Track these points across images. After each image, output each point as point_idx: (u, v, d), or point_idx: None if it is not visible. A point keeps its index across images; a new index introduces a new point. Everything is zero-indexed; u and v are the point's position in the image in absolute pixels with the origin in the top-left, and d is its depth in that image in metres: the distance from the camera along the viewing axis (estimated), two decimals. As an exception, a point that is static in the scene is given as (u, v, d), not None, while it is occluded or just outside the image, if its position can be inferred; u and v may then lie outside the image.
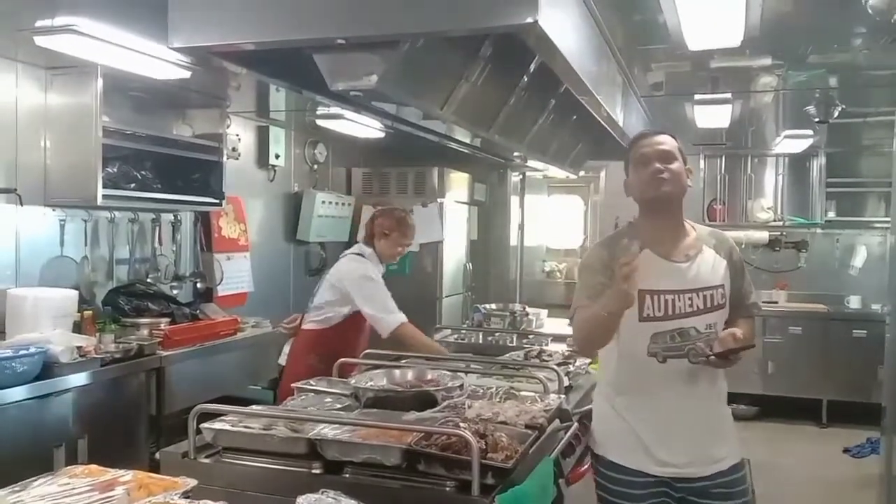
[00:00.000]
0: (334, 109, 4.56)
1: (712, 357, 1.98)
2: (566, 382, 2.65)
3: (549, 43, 2.17)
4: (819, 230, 6.47)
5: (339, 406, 2.28)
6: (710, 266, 2.10)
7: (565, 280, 8.47)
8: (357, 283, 3.26)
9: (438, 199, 5.95)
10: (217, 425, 1.99)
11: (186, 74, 3.36)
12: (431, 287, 5.96)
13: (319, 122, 4.97)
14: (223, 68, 3.53)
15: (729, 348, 1.96)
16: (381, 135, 5.17)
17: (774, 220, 6.56)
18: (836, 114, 4.13)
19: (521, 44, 2.25)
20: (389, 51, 1.95)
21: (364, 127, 4.91)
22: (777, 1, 2.56)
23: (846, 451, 5.31)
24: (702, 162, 6.78)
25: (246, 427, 2.00)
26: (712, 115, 4.47)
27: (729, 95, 3.93)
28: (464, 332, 3.91)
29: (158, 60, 3.05)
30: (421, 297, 5.89)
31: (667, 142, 2.12)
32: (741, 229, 6.54)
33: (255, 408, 2.18)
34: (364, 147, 5.85)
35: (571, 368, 2.89)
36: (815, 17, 2.80)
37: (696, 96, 3.94)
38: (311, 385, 2.48)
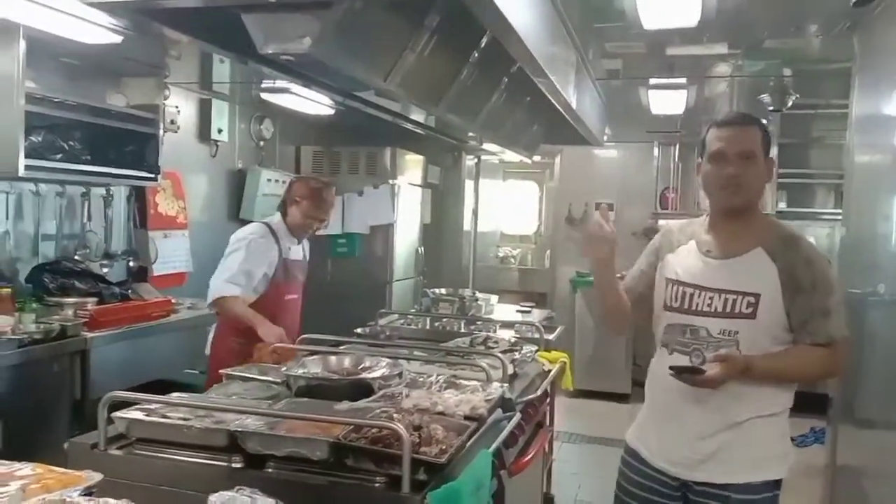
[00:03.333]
0: (280, 83, 4.36)
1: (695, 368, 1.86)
2: (510, 370, 2.55)
3: (498, 13, 2.05)
4: (769, 220, 6.52)
5: (268, 394, 2.14)
6: (750, 270, 1.88)
7: (519, 266, 8.44)
8: (228, 247, 3.15)
9: (391, 181, 5.80)
10: (130, 414, 1.84)
11: (117, 39, 3.14)
12: (382, 270, 5.82)
13: (265, 97, 4.75)
14: (160, 35, 3.33)
15: (682, 366, 1.87)
16: (332, 112, 4.98)
17: (726, 210, 6.57)
18: (790, 103, 4.11)
19: (470, 15, 2.12)
20: (324, 12, 1.80)
21: (313, 103, 4.71)
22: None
23: (790, 439, 5.35)
24: (656, 150, 6.76)
25: (163, 417, 1.85)
26: (667, 101, 4.41)
27: (683, 80, 3.87)
28: (410, 317, 3.78)
29: (86, 22, 2.83)
30: (371, 280, 5.76)
31: (748, 137, 1.91)
32: (693, 218, 6.51)
33: (174, 396, 2.03)
34: (314, 124, 5.65)
35: (517, 356, 2.79)
36: (772, 3, 2.72)
37: (651, 80, 3.86)
38: (241, 372, 2.33)
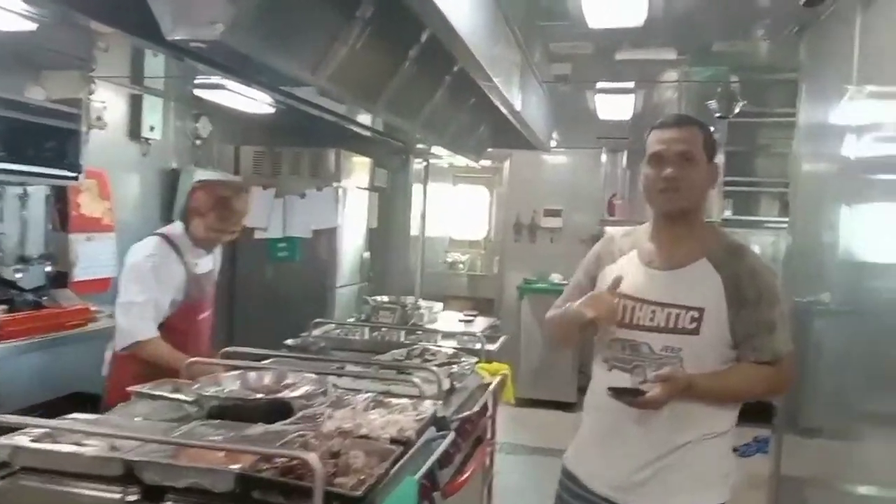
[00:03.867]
0: (215, 78, 4.16)
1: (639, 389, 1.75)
2: (447, 385, 2.41)
3: (434, 7, 1.91)
4: (715, 228, 6.53)
5: (178, 415, 1.96)
6: (694, 282, 1.78)
7: (468, 272, 8.32)
8: (125, 272, 2.65)
9: (335, 184, 5.61)
10: (14, 440, 1.64)
11: (32, 26, 2.93)
12: (325, 276, 5.62)
13: (198, 93, 4.52)
14: (85, 25, 3.10)
15: (621, 387, 1.77)
16: (272, 110, 4.78)
17: (673, 217, 6.57)
18: (737, 109, 4.09)
19: (407, 8, 1.98)
20: (239, -6, 1.64)
21: (250, 100, 4.51)
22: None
23: (734, 450, 5.34)
24: (604, 156, 6.73)
25: (52, 442, 1.66)
26: (615, 107, 4.35)
27: (632, 85, 3.80)
28: (347, 326, 3.61)
29: (-1, 9, 2.61)
30: (313, 286, 5.56)
31: (688, 138, 1.80)
32: (641, 225, 6.51)
33: (69, 418, 1.83)
34: (255, 123, 5.43)
35: (455, 369, 2.65)
36: (721, 5, 2.65)
37: (599, 84, 3.78)
38: (150, 389, 2.13)
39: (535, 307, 6.17)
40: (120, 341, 2.61)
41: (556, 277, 6.40)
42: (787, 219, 6.31)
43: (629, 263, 1.92)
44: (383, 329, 3.53)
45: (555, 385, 6.10)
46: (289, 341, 3.09)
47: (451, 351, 2.86)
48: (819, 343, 2.86)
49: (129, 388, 2.13)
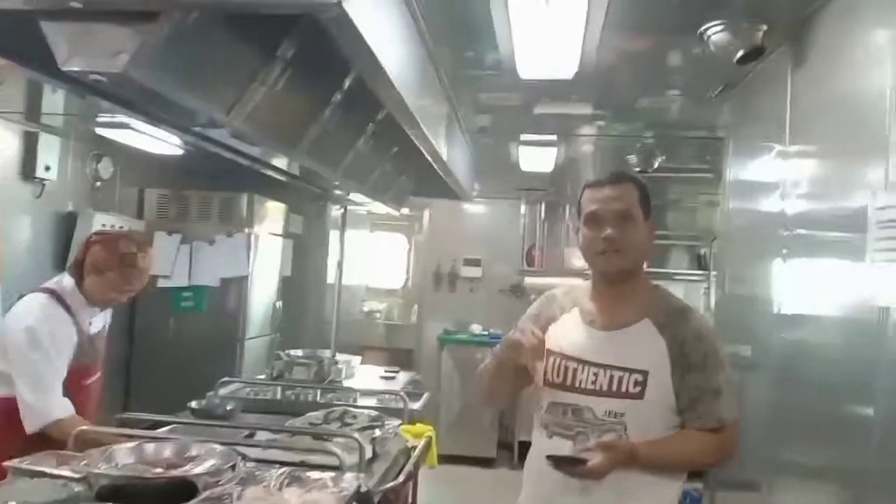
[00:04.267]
0: (120, 117, 3.89)
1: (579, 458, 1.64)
2: (369, 453, 2.23)
3: (366, 48, 1.79)
4: (630, 280, 6.62)
5: (61, 497, 1.69)
6: (637, 344, 1.71)
7: (385, 321, 8.12)
8: (20, 338, 2.27)
9: (246, 230, 5.35)
10: None
11: None
12: (233, 328, 5.31)
13: (100, 132, 4.23)
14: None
15: (561, 456, 1.66)
16: (180, 152, 4.52)
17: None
18: (656, 164, 4.15)
19: (332, 49, 1.85)
20: (146, 25, 1.47)
21: (157, 141, 4.25)
22: (608, 49, 2.36)
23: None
24: (523, 207, 6.75)
25: None
26: (537, 159, 4.34)
27: (554, 137, 3.80)
28: (258, 385, 3.36)
29: None
30: (219, 338, 5.23)
31: (625, 196, 1.74)
32: (558, 276, 6.54)
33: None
34: (162, 165, 5.13)
35: (378, 433, 2.47)
36: (644, 64, 2.66)
37: (523, 136, 3.76)
38: (30, 466, 1.84)
39: (456, 359, 6.04)
40: (31, 421, 2.22)
41: (476, 328, 6.30)
42: (698, 272, 6.57)
43: (571, 322, 1.84)
44: (297, 388, 3.29)
45: (475, 440, 5.94)
46: (192, 404, 2.82)
47: (373, 413, 2.68)
48: (748, 397, 2.84)
49: (5, 464, 1.84)
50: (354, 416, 2.63)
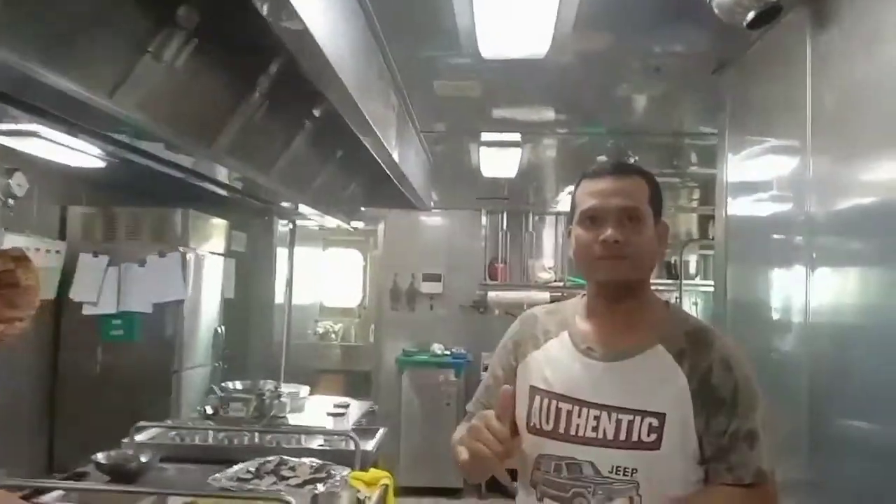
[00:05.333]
0: (26, 125, 3.39)
1: None
2: (310, 517, 1.80)
3: (293, 13, 1.39)
4: (598, 292, 6.29)
5: None
6: (649, 378, 1.33)
7: (341, 342, 7.66)
8: None
9: (181, 249, 4.85)
10: None
11: None
12: (168, 357, 4.78)
13: (5, 142, 3.71)
14: None
15: None
16: (102, 164, 4.02)
17: (555, 281, 6.29)
18: (629, 166, 3.79)
19: (252, 22, 1.45)
20: None
21: (73, 152, 3.75)
22: (588, 19, 1.99)
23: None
24: (484, 218, 6.38)
25: None
26: (499, 163, 3.97)
27: (518, 137, 3.43)
28: (183, 429, 2.89)
29: None
30: (153, 369, 4.68)
31: (632, 191, 1.38)
32: (522, 289, 6.19)
33: None
34: (85, 180, 4.63)
35: (321, 489, 2.04)
36: (635, 30, 2.28)
37: (483, 136, 3.38)
38: None
39: (416, 381, 5.62)
40: None
41: (437, 348, 5.89)
42: (667, 281, 6.27)
43: (560, 350, 1.44)
44: (226, 432, 2.83)
45: (439, 470, 5.50)
46: (99, 456, 2.34)
47: (315, 462, 2.24)
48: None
49: None
50: (293, 468, 2.20)
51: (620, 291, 1.39)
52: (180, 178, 4.21)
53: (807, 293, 1.69)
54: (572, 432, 1.34)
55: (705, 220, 6.05)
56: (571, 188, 4.84)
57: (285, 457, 2.24)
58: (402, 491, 5.23)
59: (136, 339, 4.71)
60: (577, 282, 6.22)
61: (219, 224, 5.43)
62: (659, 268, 5.74)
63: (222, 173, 4.34)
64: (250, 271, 5.96)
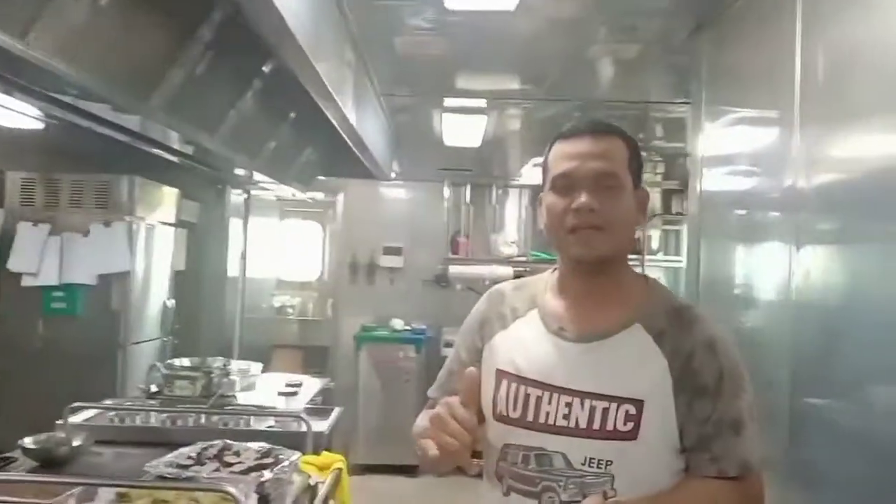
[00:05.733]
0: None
1: None
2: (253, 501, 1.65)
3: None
4: (561, 267, 6.20)
5: None
6: (627, 360, 1.20)
7: (298, 317, 7.47)
8: None
9: (128, 218, 4.60)
10: None
11: None
12: (113, 332, 4.55)
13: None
14: None
15: None
16: (41, 126, 3.76)
17: (518, 255, 6.19)
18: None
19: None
20: None
21: (6, 111, 3.48)
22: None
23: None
24: (446, 190, 6.22)
25: None
26: (463, 131, 3.81)
27: (483, 103, 3.27)
28: (122, 410, 2.71)
29: None
30: (98, 345, 4.46)
31: (610, 153, 1.24)
32: (485, 264, 6.07)
33: None
34: (25, 144, 4.33)
35: (267, 475, 1.89)
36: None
37: (447, 101, 3.21)
38: None
39: (375, 357, 5.47)
40: None
41: (397, 323, 5.75)
42: (631, 256, 6.19)
43: (529, 330, 1.30)
44: (169, 412, 2.66)
45: (397, 447, 5.38)
46: (27, 441, 2.16)
47: (263, 446, 2.08)
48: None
49: None
50: (237, 453, 2.04)
51: (595, 266, 1.25)
52: (127, 143, 4.00)
53: (790, 271, 1.59)
54: (541, 420, 1.22)
55: (669, 195, 5.98)
56: (537, 160, 4.74)
57: (230, 441, 2.08)
58: (360, 469, 5.13)
59: (80, 313, 4.48)
60: (540, 256, 6.13)
61: (169, 192, 5.17)
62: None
63: (170, 137, 4.12)
64: (202, 243, 5.72)
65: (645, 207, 1.30)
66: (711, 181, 2.10)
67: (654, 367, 1.18)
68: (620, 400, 1.17)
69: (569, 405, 1.20)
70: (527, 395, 1.24)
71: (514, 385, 1.26)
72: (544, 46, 2.53)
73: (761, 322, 1.62)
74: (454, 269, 5.98)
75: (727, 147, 2.03)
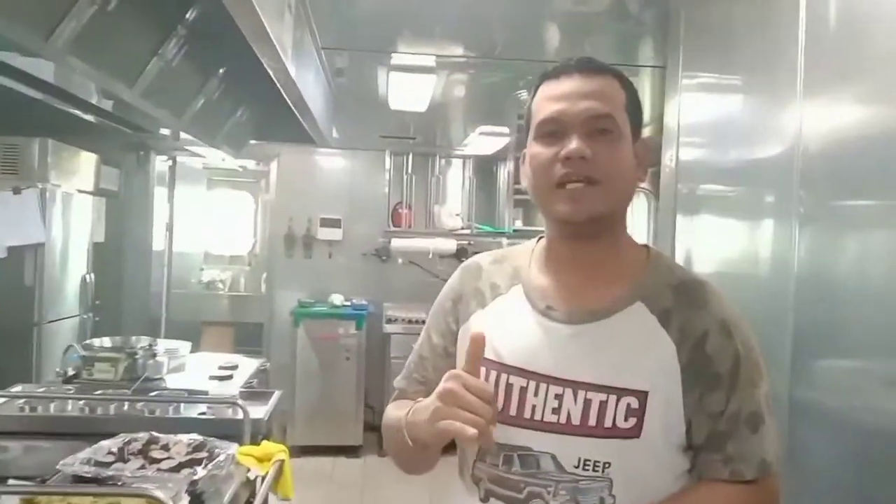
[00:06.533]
0: None
1: None
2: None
3: None
4: (505, 239, 6.07)
5: None
6: (629, 345, 1.02)
7: (229, 292, 7.13)
8: None
9: (40, 185, 4.22)
10: None
11: None
12: (26, 309, 4.19)
13: None
14: None
15: None
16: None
17: (462, 228, 6.01)
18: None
19: None
20: None
21: None
22: None
23: None
24: (388, 159, 5.97)
25: None
26: (410, 93, 3.57)
27: (432, 62, 3.04)
28: (33, 398, 2.41)
29: None
30: (10, 323, 4.10)
31: (604, 93, 1.04)
32: (428, 237, 5.88)
33: None
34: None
35: (201, 472, 1.66)
36: None
37: (395, 58, 2.97)
38: None
39: (313, 334, 5.22)
40: None
41: (336, 298, 5.50)
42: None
43: (512, 310, 1.11)
44: (97, 393, 2.38)
45: (337, 427, 5.17)
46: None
47: (194, 439, 1.85)
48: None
49: None
50: (166, 447, 1.80)
51: (588, 229, 1.06)
52: (38, 101, 3.60)
53: (796, 248, 1.44)
54: (527, 415, 1.03)
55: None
56: (484, 128, 4.47)
57: (156, 433, 1.84)
58: (300, 451, 4.91)
59: (-14, 288, 4.09)
60: (484, 229, 5.97)
61: (87, 157, 4.78)
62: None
63: (87, 91, 3.73)
64: (124, 212, 5.32)
65: (646, 160, 1.11)
66: (689, 152, 1.94)
67: (660, 352, 1.01)
68: (621, 391, 0.99)
69: (559, 397, 1.02)
70: (509, 386, 1.05)
71: (493, 373, 1.07)
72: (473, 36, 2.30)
73: (757, 303, 1.49)
74: (396, 243, 5.76)
75: (710, 115, 1.86)
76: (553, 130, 1.05)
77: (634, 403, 0.99)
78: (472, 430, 0.90)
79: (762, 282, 1.58)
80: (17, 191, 4.18)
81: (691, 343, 1.01)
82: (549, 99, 1.06)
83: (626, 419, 0.99)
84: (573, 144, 1.02)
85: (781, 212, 1.49)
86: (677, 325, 1.02)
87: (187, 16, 2.02)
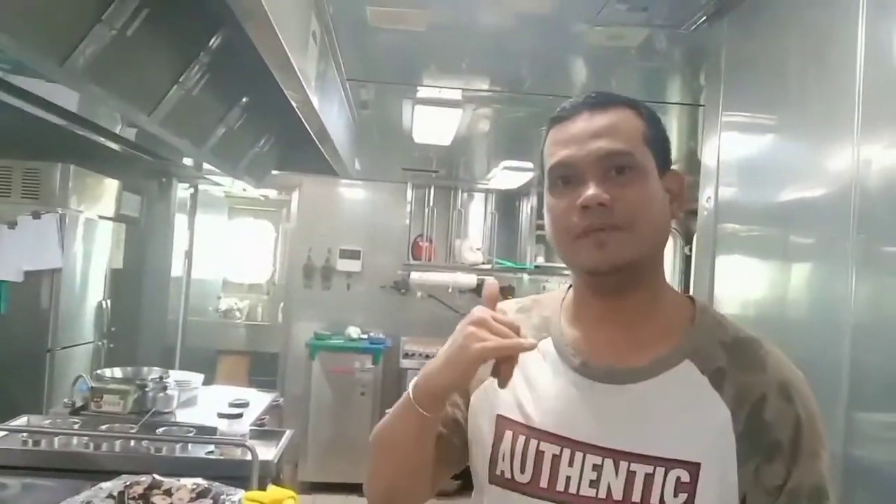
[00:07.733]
0: None
1: None
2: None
3: None
4: (526, 275, 5.96)
5: None
6: (678, 409, 0.91)
7: (246, 321, 7.07)
8: None
9: (60, 210, 4.20)
10: None
11: None
12: (41, 334, 4.14)
13: None
14: None
15: None
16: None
17: (483, 263, 5.92)
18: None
19: None
20: None
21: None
22: None
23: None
24: (409, 191, 5.92)
25: None
26: (434, 127, 3.52)
27: (459, 96, 2.98)
28: (36, 432, 2.33)
29: None
30: (25, 348, 4.05)
31: (619, 128, 0.94)
32: (448, 271, 5.79)
33: None
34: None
35: (204, 523, 1.56)
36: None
37: (420, 91, 2.91)
38: None
39: (328, 367, 5.13)
40: None
41: (353, 331, 5.41)
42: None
43: (541, 366, 1.01)
44: (90, 435, 2.29)
45: (350, 464, 5.04)
46: None
47: (198, 484, 1.75)
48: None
49: None
50: (168, 492, 1.70)
51: (618, 282, 0.95)
52: (61, 127, 3.59)
53: (853, 294, 1.33)
54: (560, 488, 0.92)
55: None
56: (507, 163, 4.37)
57: (159, 476, 1.75)
58: (310, 487, 4.79)
59: (4, 312, 4.05)
60: (505, 264, 5.87)
61: (108, 184, 4.77)
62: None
63: (106, 119, 3.73)
64: (144, 239, 5.30)
65: (682, 196, 0.99)
66: (730, 193, 1.84)
67: (713, 418, 0.90)
68: (670, 463, 0.88)
69: (598, 468, 0.91)
70: (539, 453, 0.94)
71: (521, 438, 0.96)
72: (539, 26, 2.24)
73: (807, 352, 1.38)
74: (415, 276, 5.68)
75: (754, 153, 1.76)
76: (566, 177, 0.95)
77: (685, 477, 0.88)
78: (525, 341, 0.89)
79: (814, 330, 1.47)
80: (36, 215, 4.16)
81: (748, 407, 0.90)
82: (558, 143, 0.96)
83: (675, 495, 0.88)
84: (589, 191, 0.91)
85: (836, 255, 1.39)
86: (732, 388, 0.91)
87: (210, 43, 1.98)
